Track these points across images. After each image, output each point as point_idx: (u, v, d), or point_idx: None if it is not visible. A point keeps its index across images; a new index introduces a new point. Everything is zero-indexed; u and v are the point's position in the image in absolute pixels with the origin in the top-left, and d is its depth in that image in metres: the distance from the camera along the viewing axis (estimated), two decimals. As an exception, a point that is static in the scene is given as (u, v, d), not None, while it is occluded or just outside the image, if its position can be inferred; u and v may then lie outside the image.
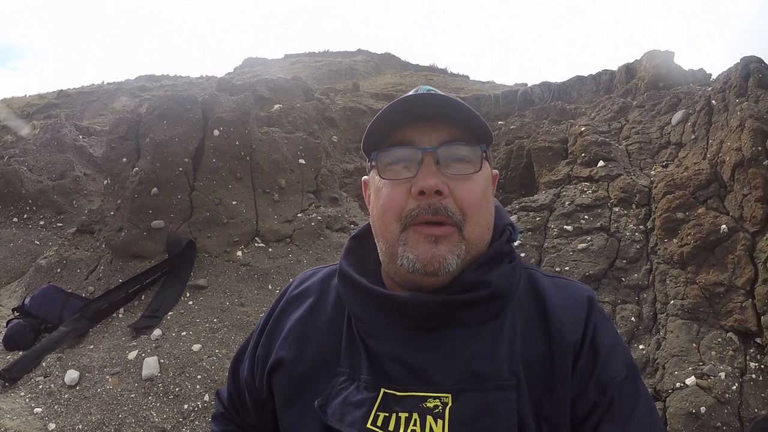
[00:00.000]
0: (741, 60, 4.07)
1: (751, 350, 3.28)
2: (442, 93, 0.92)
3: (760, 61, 3.95)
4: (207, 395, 3.51)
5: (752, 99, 3.80)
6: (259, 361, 1.06)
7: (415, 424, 0.84)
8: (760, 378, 3.14)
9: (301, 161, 5.12)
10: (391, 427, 0.85)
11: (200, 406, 3.45)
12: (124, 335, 3.82)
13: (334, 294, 1.03)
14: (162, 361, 3.61)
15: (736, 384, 3.13)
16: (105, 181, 4.63)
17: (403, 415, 0.85)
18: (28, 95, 12.43)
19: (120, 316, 4.01)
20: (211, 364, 3.71)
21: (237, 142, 4.65)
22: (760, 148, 3.51)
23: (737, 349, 3.30)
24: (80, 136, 6.90)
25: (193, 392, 3.50)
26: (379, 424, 0.85)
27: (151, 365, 3.54)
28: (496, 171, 1.02)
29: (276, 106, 5.23)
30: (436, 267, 0.86)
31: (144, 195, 4.14)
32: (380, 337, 0.91)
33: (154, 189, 4.20)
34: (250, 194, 4.81)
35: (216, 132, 4.50)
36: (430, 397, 0.85)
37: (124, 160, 4.39)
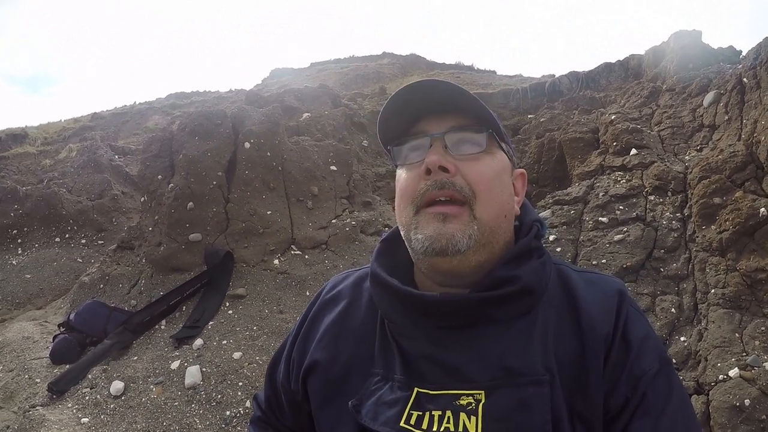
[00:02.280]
0: (771, 35, 3.92)
1: (798, 339, 3.15)
2: (445, 82, 0.93)
3: (791, 34, 3.78)
4: (248, 401, 3.60)
5: (786, 75, 3.64)
6: (294, 364, 1.08)
7: (448, 422, 0.84)
8: (807, 367, 3.02)
9: (333, 168, 5.20)
10: (424, 425, 0.85)
11: (242, 412, 3.55)
12: (166, 346, 3.97)
13: (366, 296, 1.05)
14: (204, 369, 3.72)
15: (783, 375, 3.01)
16: (142, 198, 4.82)
17: (437, 413, 0.85)
18: (63, 119, 12.89)
19: (162, 327, 4.17)
20: (252, 371, 3.81)
21: (268, 153, 4.76)
22: (797, 125, 3.37)
23: (783, 338, 3.17)
24: (116, 156, 7.20)
25: (235, 399, 3.60)
26: (412, 422, 0.85)
27: (193, 374, 3.66)
28: (522, 170, 1.05)
29: (305, 115, 5.33)
30: (443, 244, 0.87)
31: (180, 210, 4.30)
32: (412, 337, 0.93)
33: (190, 203, 4.35)
34: (284, 203, 4.91)
35: (247, 144, 4.63)
36: (464, 394, 0.85)
37: (159, 177, 4.57)
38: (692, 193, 3.94)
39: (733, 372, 3.09)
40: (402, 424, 0.86)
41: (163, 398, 3.51)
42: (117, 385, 3.60)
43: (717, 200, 3.74)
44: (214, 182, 4.49)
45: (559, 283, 0.96)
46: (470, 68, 9.82)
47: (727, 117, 4.14)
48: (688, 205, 3.99)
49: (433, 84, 0.92)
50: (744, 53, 4.72)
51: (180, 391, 3.58)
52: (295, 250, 4.94)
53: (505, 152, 0.98)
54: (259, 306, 4.42)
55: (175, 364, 3.75)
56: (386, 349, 0.95)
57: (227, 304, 4.39)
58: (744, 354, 3.19)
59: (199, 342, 3.97)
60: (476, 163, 0.92)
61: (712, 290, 3.58)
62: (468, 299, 0.89)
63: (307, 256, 4.95)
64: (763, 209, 3.46)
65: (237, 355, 3.90)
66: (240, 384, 3.70)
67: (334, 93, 5.77)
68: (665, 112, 4.67)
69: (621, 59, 5.91)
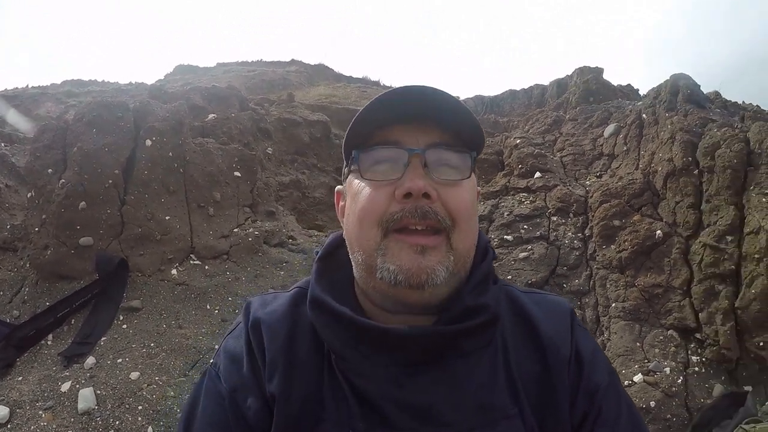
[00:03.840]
0: (670, 77, 4.41)
1: (692, 345, 3.51)
2: (433, 88, 0.82)
3: (688, 78, 4.29)
4: (150, 427, 3.22)
5: (681, 113, 4.11)
6: (260, 393, 0.88)
7: None
8: (702, 370, 3.37)
9: (237, 174, 4.89)
10: None
11: (144, 439, 3.16)
12: (55, 364, 3.43)
13: (306, 323, 0.90)
14: (98, 392, 3.28)
15: (681, 377, 3.33)
16: (29, 194, 4.17)
17: None
18: None
19: (49, 343, 3.60)
20: (152, 392, 3.41)
21: (170, 153, 4.36)
22: (690, 158, 3.79)
23: (679, 345, 3.51)
24: (2, 144, 6.15)
25: (135, 425, 3.19)
26: None
27: (87, 397, 3.20)
28: (478, 188, 0.96)
29: (210, 116, 4.98)
30: (423, 279, 0.78)
31: (71, 209, 3.76)
32: (370, 376, 0.82)
33: (82, 203, 3.82)
34: (184, 208, 4.51)
35: (148, 142, 4.19)
36: None
37: (50, 171, 3.97)
38: (593, 215, 4.27)
39: (638, 377, 3.36)
40: None
41: (54, 426, 3.02)
42: (2, 411, 3.06)
43: (617, 222, 4.09)
44: (110, 181, 4.00)
45: (510, 306, 0.94)
46: (377, 83, 9.95)
47: (625, 148, 4.57)
48: (589, 226, 4.31)
49: (421, 90, 0.82)
50: (644, 92, 5.28)
51: (73, 417, 3.10)
52: (194, 260, 4.56)
53: (474, 170, 0.90)
54: (157, 320, 4.00)
55: (65, 386, 3.25)
56: (336, 390, 0.84)
57: (121, 317, 3.92)
58: (646, 361, 3.49)
59: (91, 360, 3.49)
60: (457, 189, 0.83)
61: (613, 304, 3.88)
62: (442, 332, 0.81)
63: (207, 267, 4.59)
64: (659, 231, 3.84)
65: (134, 375, 3.47)
66: (140, 408, 3.29)
67: (242, 96, 5.46)
68: (567, 139, 5.05)
69: (525, 87, 6.34)
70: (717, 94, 4.26)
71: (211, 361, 0.96)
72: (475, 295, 0.85)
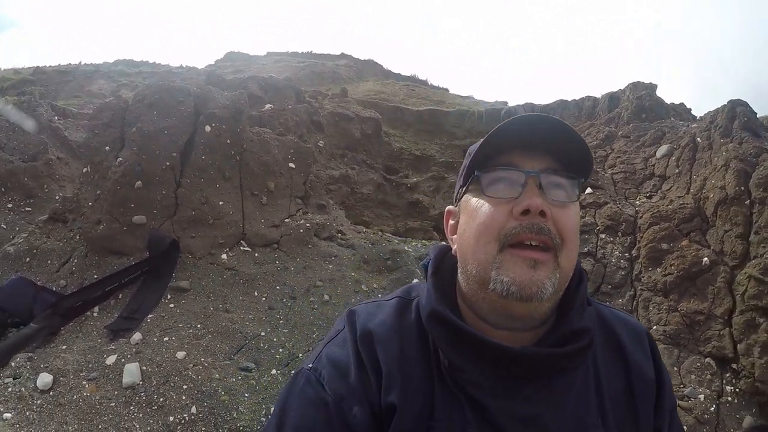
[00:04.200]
0: (728, 102, 4.32)
1: (728, 375, 3.50)
2: (550, 117, 0.91)
3: (745, 104, 4.21)
4: (194, 407, 3.31)
5: (737, 141, 4.04)
6: (372, 403, 0.91)
7: None
8: (735, 400, 3.36)
9: (291, 165, 4.98)
10: None
11: (187, 418, 3.24)
12: (100, 337, 3.57)
13: (414, 334, 0.96)
14: (144, 368, 3.38)
15: (714, 405, 3.34)
16: (84, 169, 4.32)
17: None
18: (2, 68, 11.38)
19: (95, 315, 3.75)
20: (198, 373, 3.49)
21: (228, 140, 4.47)
22: (743, 188, 3.74)
23: (714, 374, 3.50)
24: (56, 117, 6.36)
25: (179, 403, 3.28)
26: None
27: (132, 372, 3.31)
28: None
29: (267, 106, 5.08)
30: (533, 291, 0.84)
31: (127, 187, 3.90)
32: (485, 387, 0.88)
33: (138, 182, 3.96)
34: (237, 195, 4.63)
35: (208, 128, 4.31)
36: None
37: (107, 148, 4.13)
38: (641, 237, 4.24)
39: (673, 402, 3.37)
40: None
41: (97, 397, 3.14)
42: (45, 378, 3.19)
43: (665, 246, 4.06)
44: (168, 163, 4.13)
45: (599, 324, 1.00)
46: (424, 83, 9.93)
47: (677, 170, 4.52)
48: (636, 247, 4.28)
49: (539, 118, 0.89)
50: (699, 115, 5.19)
51: (117, 390, 3.22)
52: (245, 246, 4.66)
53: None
54: (204, 302, 4.10)
55: (111, 359, 3.37)
56: (449, 399, 0.90)
57: (168, 296, 4.05)
58: (681, 386, 3.49)
59: (137, 336, 3.61)
60: (566, 210, 0.89)
61: (654, 326, 3.86)
62: (554, 354, 0.88)
63: (257, 254, 4.69)
64: (706, 259, 3.81)
65: (180, 354, 3.58)
66: (185, 387, 3.39)
67: (299, 88, 5.55)
68: (619, 156, 5.01)
69: (576, 99, 6.29)
70: (770, 121, 4.19)
71: (309, 365, 0.97)
72: (579, 318, 0.93)
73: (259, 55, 10.58)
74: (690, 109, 5.66)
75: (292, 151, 4.93)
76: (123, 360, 3.40)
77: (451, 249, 1.04)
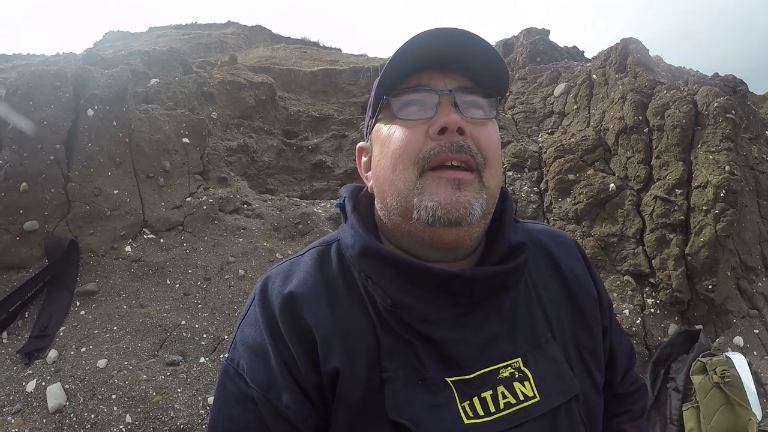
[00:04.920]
0: (621, 41, 4.58)
1: (647, 289, 3.80)
2: (459, 30, 0.82)
3: (638, 42, 4.48)
4: (128, 415, 3.07)
5: (631, 75, 4.30)
6: (307, 381, 0.82)
7: (504, 397, 0.81)
8: (658, 311, 3.67)
9: (185, 140, 4.61)
10: (483, 411, 0.80)
11: (124, 429, 3.02)
12: (15, 364, 3.16)
13: (341, 282, 0.87)
14: (67, 386, 3.08)
15: (639, 318, 3.62)
16: (-40, 179, 3.71)
17: (487, 394, 0.81)
18: None
19: (4, 341, 3.30)
20: (123, 379, 3.24)
21: (114, 122, 4.02)
22: (641, 117, 4.01)
23: (635, 289, 3.79)
24: None
25: (112, 416, 3.03)
26: (472, 414, 0.79)
27: (56, 394, 3.00)
28: None
29: (152, 81, 4.61)
30: (461, 213, 0.80)
31: (12, 192, 3.40)
32: (437, 321, 0.82)
33: (24, 184, 3.47)
34: (132, 180, 4.22)
35: (90, 112, 3.84)
36: (501, 367, 0.83)
37: (-16, 152, 3.55)
38: (548, 170, 4.44)
39: (598, 321, 3.63)
40: (466, 421, 0.79)
41: (26, 430, 2.80)
42: (-37, 422, 2.78)
43: (571, 176, 4.28)
44: (52, 157, 3.65)
45: (528, 236, 1.01)
46: (316, 44, 9.59)
47: (576, 106, 4.74)
48: (544, 180, 4.48)
49: (448, 33, 0.82)
50: (592, 54, 5.44)
51: (45, 417, 2.89)
52: (148, 234, 4.30)
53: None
54: (116, 302, 3.77)
55: (31, 385, 3.02)
56: (396, 342, 0.82)
57: (77, 303, 3.66)
58: (603, 304, 3.77)
59: (53, 354, 3.25)
60: (485, 128, 0.86)
61: (572, 254, 4.11)
62: (501, 272, 0.85)
63: (162, 240, 4.36)
64: (612, 185, 4.07)
65: (102, 363, 3.29)
66: (114, 397, 3.13)
67: (185, 59, 5.07)
68: (518, 98, 5.17)
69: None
70: (660, 58, 4.50)
71: (226, 355, 0.88)
72: (514, 234, 0.90)
73: (141, 32, 9.69)
74: (583, 51, 5.96)
75: (184, 125, 4.55)
76: (44, 383, 3.06)
77: (366, 187, 0.97)
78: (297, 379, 0.81)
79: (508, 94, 5.24)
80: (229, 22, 10.57)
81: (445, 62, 0.84)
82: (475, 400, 0.80)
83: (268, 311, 0.85)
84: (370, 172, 0.94)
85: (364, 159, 0.98)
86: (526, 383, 0.83)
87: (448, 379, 0.80)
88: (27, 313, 3.45)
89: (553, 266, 0.99)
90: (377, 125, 0.90)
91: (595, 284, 1.02)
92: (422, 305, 0.82)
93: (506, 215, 0.93)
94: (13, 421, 2.82)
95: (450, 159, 0.80)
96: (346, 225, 0.93)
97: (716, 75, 4.50)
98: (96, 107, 3.90)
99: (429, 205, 0.79)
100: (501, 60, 0.85)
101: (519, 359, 0.84)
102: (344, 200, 0.98)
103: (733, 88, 4.31)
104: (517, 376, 0.83)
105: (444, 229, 0.80)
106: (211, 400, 3.18)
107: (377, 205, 0.93)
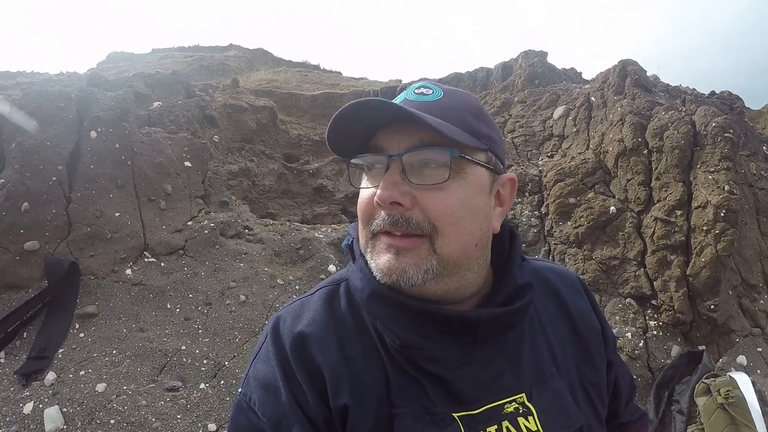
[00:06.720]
0: (619, 62, 4.65)
1: (649, 311, 3.79)
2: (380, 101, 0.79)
3: (635, 63, 4.55)
4: (126, 441, 3.05)
5: (630, 97, 4.35)
6: (317, 417, 0.84)
7: (508, 431, 0.84)
8: (660, 333, 3.66)
9: (187, 164, 4.63)
10: None
11: (121, 454, 2.99)
12: (12, 384, 3.13)
13: (351, 323, 0.90)
14: (65, 410, 3.05)
15: (642, 341, 3.60)
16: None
17: (492, 429, 0.83)
18: None
19: (2, 361, 3.26)
20: (122, 404, 3.20)
21: (117, 145, 4.05)
22: (640, 139, 4.05)
23: (637, 312, 3.78)
24: None
25: (110, 440, 3.01)
26: None
27: (53, 417, 2.97)
28: (512, 176, 0.97)
29: (155, 104, 4.65)
30: (394, 279, 0.82)
31: (13, 212, 3.40)
32: (445, 360, 0.85)
33: (25, 204, 3.47)
34: (134, 203, 4.23)
35: (93, 134, 3.87)
36: (506, 402, 0.86)
37: (-14, 170, 3.56)
38: (548, 194, 4.46)
39: (600, 344, 3.61)
40: None
41: (23, 453, 2.76)
42: (-42, 446, 2.74)
43: (572, 200, 4.30)
44: (54, 178, 3.66)
45: (533, 276, 1.03)
46: (317, 67, 9.70)
47: (575, 128, 4.78)
48: (545, 204, 4.50)
49: (378, 104, 0.79)
50: (590, 76, 5.51)
51: (41, 440, 2.85)
52: (149, 257, 4.29)
53: (483, 164, 0.86)
54: (115, 325, 3.74)
55: (28, 407, 2.98)
56: (406, 381, 0.85)
57: (77, 325, 3.63)
58: (608, 329, 3.75)
59: (51, 376, 3.22)
60: (439, 192, 0.81)
61: (574, 277, 4.10)
62: (507, 312, 0.89)
63: (163, 264, 4.34)
64: (612, 207, 4.09)
65: (101, 387, 3.25)
66: (112, 422, 3.09)
67: (188, 82, 5.13)
68: (517, 121, 5.21)
69: (470, 70, 6.43)
70: (657, 77, 4.56)
71: (239, 390, 0.90)
72: (521, 274, 0.94)
73: (144, 53, 9.78)
74: (581, 73, 6.05)
75: (186, 148, 4.58)
76: (41, 405, 3.03)
77: None
78: (307, 413, 0.83)
79: (507, 117, 5.30)
80: (231, 44, 10.72)
81: (399, 118, 0.80)
82: None
83: (280, 349, 0.88)
84: None
85: None
86: (530, 418, 0.86)
87: (455, 414, 0.82)
88: (26, 333, 3.42)
89: (560, 304, 1.02)
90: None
91: (598, 318, 1.06)
92: (430, 345, 0.85)
93: (514, 254, 0.95)
94: (10, 444, 2.78)
95: (389, 231, 0.82)
96: (354, 266, 0.94)
97: (713, 93, 4.56)
98: (99, 129, 3.92)
99: (373, 265, 0.85)
100: (462, 112, 0.84)
101: (523, 394, 0.87)
102: (353, 241, 0.97)
103: (729, 105, 4.37)
104: (521, 411, 0.86)
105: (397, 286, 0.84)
106: (211, 427, 3.16)
107: None
